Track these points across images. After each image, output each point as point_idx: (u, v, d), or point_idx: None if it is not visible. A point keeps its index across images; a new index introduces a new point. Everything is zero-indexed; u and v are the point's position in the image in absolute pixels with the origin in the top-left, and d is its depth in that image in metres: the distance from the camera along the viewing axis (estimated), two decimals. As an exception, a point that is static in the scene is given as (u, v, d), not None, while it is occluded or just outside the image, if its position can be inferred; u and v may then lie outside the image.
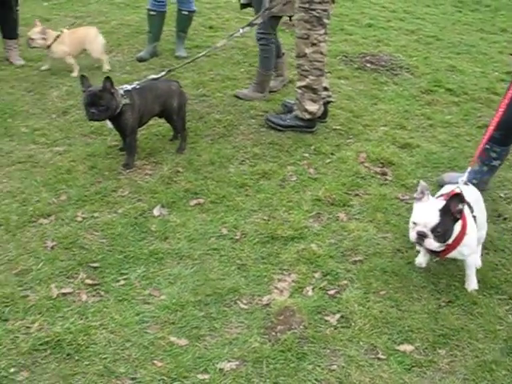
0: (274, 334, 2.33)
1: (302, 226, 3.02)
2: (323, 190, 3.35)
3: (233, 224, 3.01)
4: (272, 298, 2.52)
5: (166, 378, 2.10)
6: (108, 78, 3.23)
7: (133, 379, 2.10)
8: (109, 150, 3.69)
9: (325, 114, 4.19)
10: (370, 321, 2.41)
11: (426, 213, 2.42)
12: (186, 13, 5.47)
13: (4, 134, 3.85)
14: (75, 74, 4.87)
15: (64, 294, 2.48)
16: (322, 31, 3.81)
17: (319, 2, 3.71)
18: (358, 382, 2.14)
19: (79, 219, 2.99)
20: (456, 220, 2.41)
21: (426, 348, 2.30)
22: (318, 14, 3.73)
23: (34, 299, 2.44)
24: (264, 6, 4.16)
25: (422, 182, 2.51)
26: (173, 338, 2.27)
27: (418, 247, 2.64)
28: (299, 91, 3.99)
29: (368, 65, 5.60)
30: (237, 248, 2.83)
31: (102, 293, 2.51)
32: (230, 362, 2.19)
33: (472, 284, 2.61)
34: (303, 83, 3.94)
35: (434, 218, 2.37)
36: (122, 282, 2.57)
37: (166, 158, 3.63)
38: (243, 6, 4.76)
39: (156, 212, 3.07)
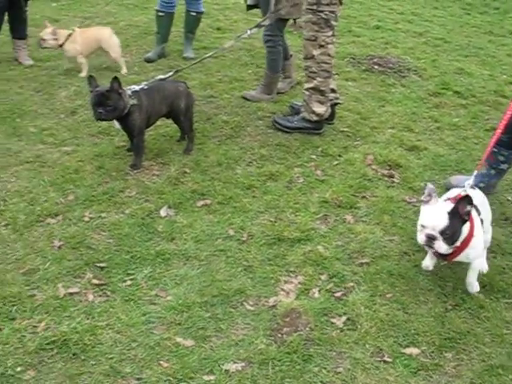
0: (280, 335, 2.33)
1: (309, 227, 3.02)
2: (330, 192, 3.34)
3: (239, 225, 3.01)
4: (278, 300, 2.51)
5: (171, 379, 2.10)
6: (116, 79, 3.25)
7: (139, 379, 2.11)
8: (116, 151, 3.70)
9: (332, 115, 4.19)
10: (377, 323, 2.40)
11: (434, 215, 2.40)
12: (195, 14, 5.49)
13: (12, 133, 3.87)
14: (84, 74, 4.89)
15: (71, 294, 2.49)
16: (330, 33, 3.81)
17: (327, 4, 3.71)
18: (363, 384, 2.13)
19: (86, 219, 3.00)
20: (464, 222, 2.40)
21: (433, 351, 2.29)
22: (325, 16, 3.73)
23: (41, 298, 2.45)
24: (271, 8, 4.16)
25: (430, 185, 2.50)
26: (179, 339, 2.28)
27: (427, 249, 2.63)
28: (307, 93, 3.99)
29: (376, 67, 5.60)
30: (243, 249, 2.83)
31: (109, 293, 2.51)
32: (235, 363, 2.19)
33: (474, 287, 2.59)
34: (311, 85, 3.94)
35: (442, 221, 2.36)
36: (129, 283, 2.57)
37: (174, 158, 3.64)
38: (249, 7, 4.75)
39: (163, 213, 3.08)
